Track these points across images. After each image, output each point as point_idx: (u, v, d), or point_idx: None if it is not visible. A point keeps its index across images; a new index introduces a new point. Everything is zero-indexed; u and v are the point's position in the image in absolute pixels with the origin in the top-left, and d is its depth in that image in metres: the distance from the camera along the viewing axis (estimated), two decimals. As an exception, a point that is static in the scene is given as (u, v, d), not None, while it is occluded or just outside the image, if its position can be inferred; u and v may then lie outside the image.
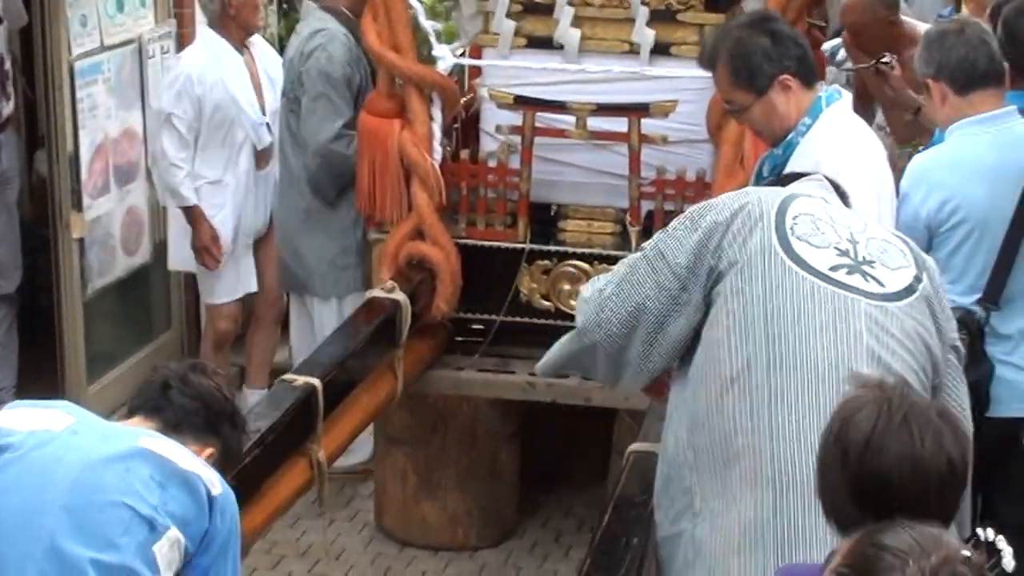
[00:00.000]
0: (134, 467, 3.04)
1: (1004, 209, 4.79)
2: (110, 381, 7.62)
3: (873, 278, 3.59)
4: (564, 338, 3.98)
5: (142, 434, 3.17)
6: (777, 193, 3.69)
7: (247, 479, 4.37)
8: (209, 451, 3.28)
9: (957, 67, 4.83)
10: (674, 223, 3.71)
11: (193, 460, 3.15)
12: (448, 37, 6.44)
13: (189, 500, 3.07)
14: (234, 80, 7.08)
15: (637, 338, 3.70)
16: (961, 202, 4.74)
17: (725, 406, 3.48)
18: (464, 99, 6.37)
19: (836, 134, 4.48)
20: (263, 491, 4.57)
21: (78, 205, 7.12)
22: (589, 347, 3.84)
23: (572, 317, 5.84)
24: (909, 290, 3.62)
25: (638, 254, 3.75)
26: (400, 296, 5.63)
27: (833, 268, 3.57)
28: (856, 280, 3.57)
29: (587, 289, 3.89)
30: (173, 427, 3.25)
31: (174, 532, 3.03)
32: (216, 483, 3.15)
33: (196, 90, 6.98)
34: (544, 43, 6.00)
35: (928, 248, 4.76)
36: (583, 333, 3.84)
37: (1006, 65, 4.91)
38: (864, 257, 3.62)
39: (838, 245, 3.61)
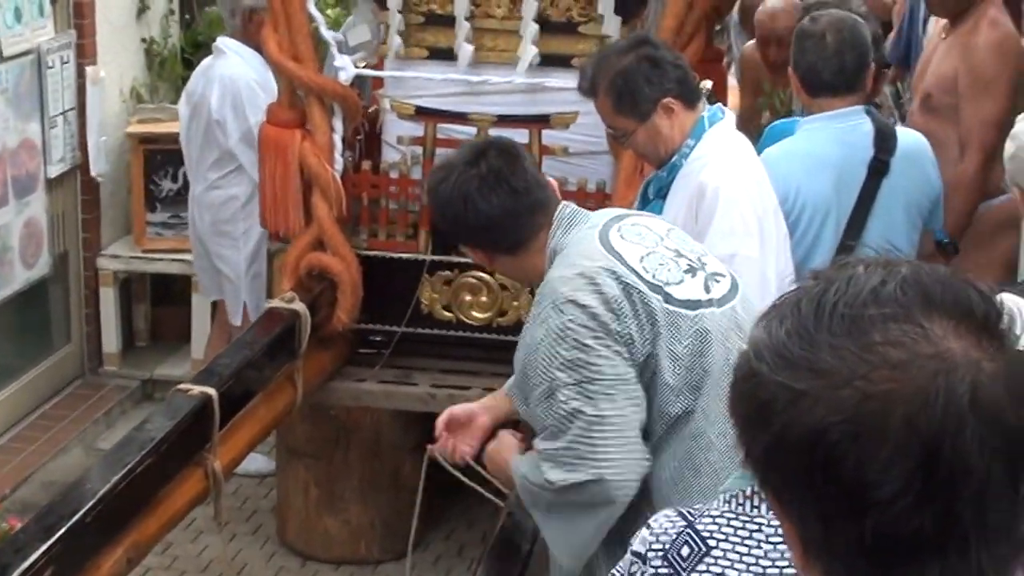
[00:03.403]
0: None
1: (848, 198, 5.16)
2: (9, 394, 7.61)
3: (717, 276, 3.75)
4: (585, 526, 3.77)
5: None
6: (610, 255, 3.64)
7: (140, 487, 4.44)
8: None
9: (806, 72, 5.23)
10: (574, 350, 3.57)
11: None
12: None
13: None
14: (271, 83, 6.93)
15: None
16: (808, 192, 5.01)
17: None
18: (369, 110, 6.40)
19: (718, 155, 4.55)
20: (157, 500, 4.58)
21: (-24, 218, 7.11)
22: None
23: (473, 328, 5.98)
24: (726, 271, 3.85)
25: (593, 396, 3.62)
26: (300, 307, 5.62)
27: (707, 287, 3.70)
28: (719, 287, 3.73)
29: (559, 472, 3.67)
30: None
31: None
32: None
33: (260, 101, 6.80)
34: (446, 54, 6.04)
35: None
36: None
37: (870, 69, 5.27)
38: (696, 259, 3.76)
39: (682, 267, 3.70)
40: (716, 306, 3.65)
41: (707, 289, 3.68)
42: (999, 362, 1.42)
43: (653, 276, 3.61)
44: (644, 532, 2.11)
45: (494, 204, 3.79)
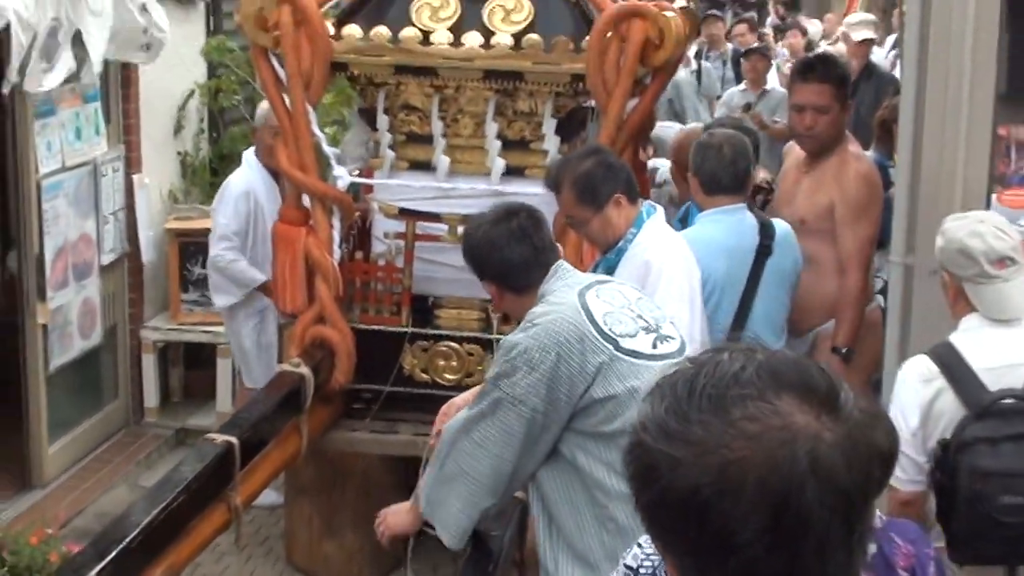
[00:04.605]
0: None
1: (739, 277, 5.27)
2: (67, 442, 7.61)
3: (667, 338, 3.79)
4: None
5: None
6: (573, 307, 3.73)
7: (175, 519, 4.45)
8: None
9: (707, 177, 5.32)
10: (508, 368, 3.72)
11: None
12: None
13: None
14: (264, 195, 6.97)
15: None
16: (707, 271, 5.07)
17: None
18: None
19: (656, 240, 4.71)
20: (189, 529, 4.58)
21: (42, 297, 7.11)
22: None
23: (446, 387, 5.98)
24: (677, 335, 3.88)
25: (496, 404, 3.76)
26: (305, 370, 5.61)
27: (654, 345, 3.75)
28: (666, 347, 3.77)
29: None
30: None
31: None
32: None
33: (242, 205, 6.90)
34: (423, 166, 6.06)
35: None
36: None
37: (756, 173, 5.41)
38: (653, 323, 3.80)
39: (640, 325, 3.76)
40: (659, 360, 3.69)
41: (654, 346, 3.74)
42: (837, 432, 1.44)
43: (610, 329, 3.68)
44: (636, 549, 2.05)
45: (516, 253, 3.91)
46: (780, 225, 5.48)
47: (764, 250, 5.35)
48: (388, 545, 4.33)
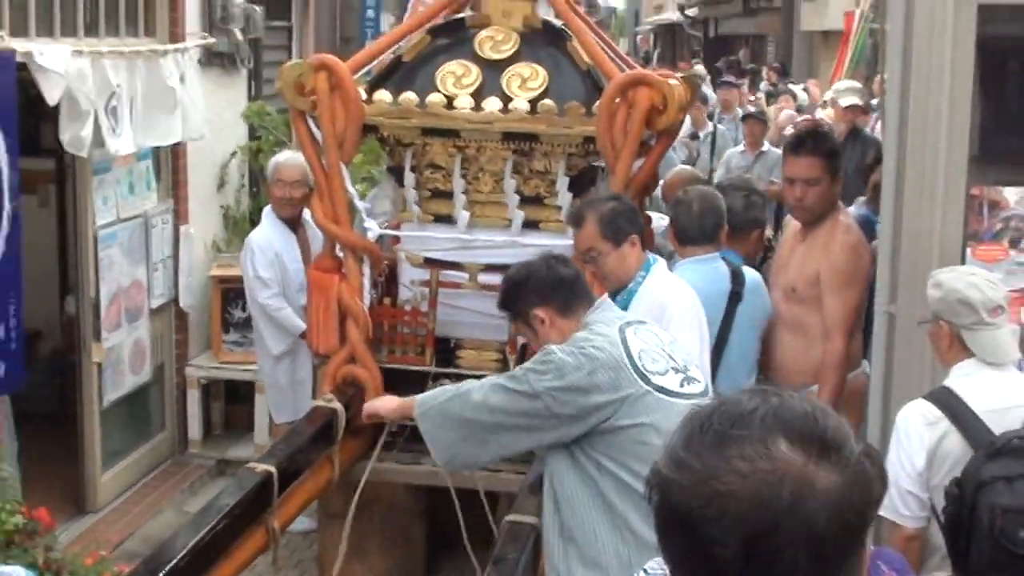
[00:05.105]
0: None
1: (714, 321, 5.23)
2: (119, 471, 7.64)
3: (693, 380, 3.82)
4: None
5: None
6: (614, 341, 3.78)
7: (218, 542, 4.45)
8: None
9: (678, 229, 5.39)
10: (540, 368, 3.79)
11: None
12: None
13: None
14: (285, 248, 6.99)
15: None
16: None
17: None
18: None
19: (664, 284, 4.80)
20: (231, 551, 4.58)
21: (97, 337, 7.17)
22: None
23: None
24: (702, 378, 3.92)
25: (517, 391, 3.81)
26: (337, 406, 5.63)
27: (681, 384, 3.78)
28: (692, 388, 3.81)
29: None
30: None
31: None
32: None
33: (267, 256, 6.90)
34: (446, 219, 6.09)
35: None
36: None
37: (724, 228, 5.40)
38: (683, 365, 3.83)
39: (670, 365, 3.80)
40: (684, 399, 3.72)
41: (681, 385, 3.77)
42: (829, 482, 1.48)
43: (643, 365, 3.73)
44: (641, 574, 2.03)
45: (564, 272, 4.00)
46: (750, 273, 5.55)
47: (735, 296, 5.40)
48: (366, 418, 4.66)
